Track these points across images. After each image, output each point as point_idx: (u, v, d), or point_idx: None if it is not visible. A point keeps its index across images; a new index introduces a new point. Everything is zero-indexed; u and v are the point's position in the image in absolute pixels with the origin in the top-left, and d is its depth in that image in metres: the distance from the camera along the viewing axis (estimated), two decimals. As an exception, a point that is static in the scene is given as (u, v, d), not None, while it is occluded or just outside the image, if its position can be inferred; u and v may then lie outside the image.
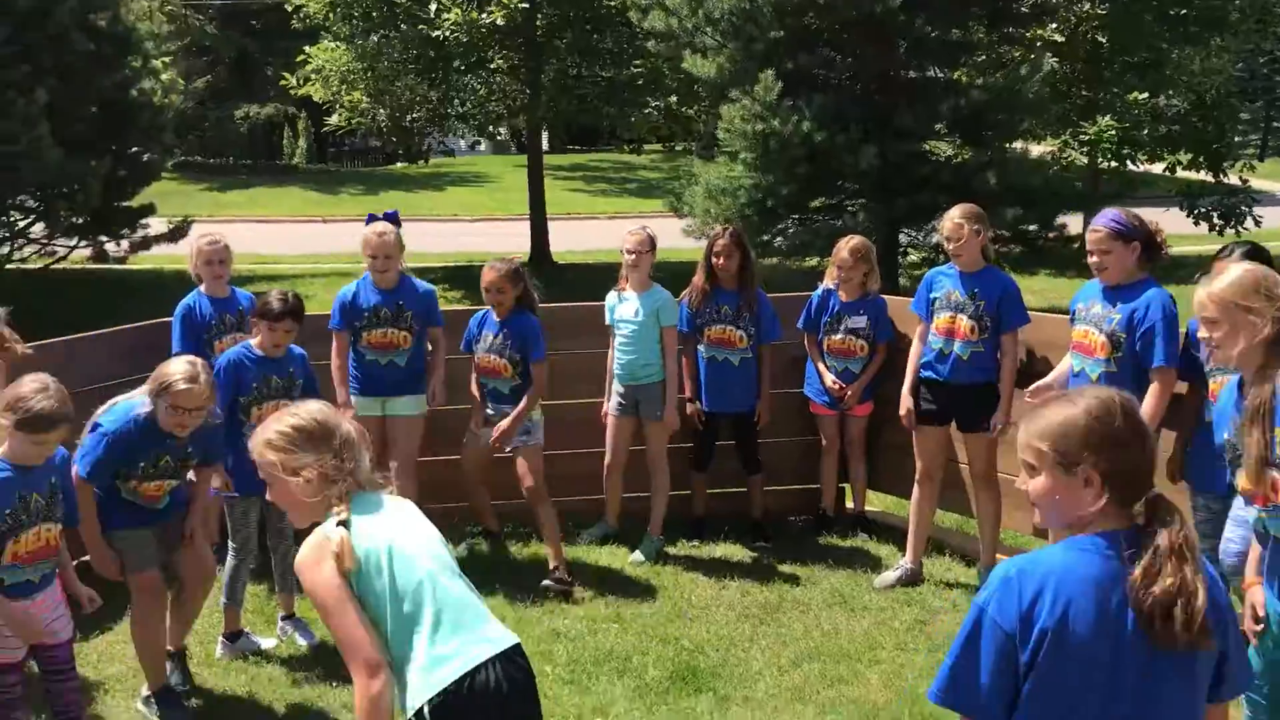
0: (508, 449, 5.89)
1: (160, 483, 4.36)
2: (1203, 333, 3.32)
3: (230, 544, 5.03)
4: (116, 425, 4.21)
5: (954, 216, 5.59)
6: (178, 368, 4.20)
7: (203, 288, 5.76)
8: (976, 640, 2.17)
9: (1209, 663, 2.17)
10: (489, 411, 5.97)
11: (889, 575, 5.82)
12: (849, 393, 6.31)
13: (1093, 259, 4.89)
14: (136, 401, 4.26)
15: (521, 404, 5.79)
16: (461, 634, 2.67)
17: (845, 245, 6.30)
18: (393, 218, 5.85)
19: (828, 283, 6.42)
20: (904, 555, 5.88)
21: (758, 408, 6.35)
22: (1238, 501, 3.81)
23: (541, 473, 5.86)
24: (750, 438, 6.40)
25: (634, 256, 6.12)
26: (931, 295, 5.71)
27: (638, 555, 6.09)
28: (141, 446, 4.24)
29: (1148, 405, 4.55)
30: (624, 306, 6.20)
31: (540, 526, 5.92)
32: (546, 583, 5.66)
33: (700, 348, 6.30)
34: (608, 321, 6.26)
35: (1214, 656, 2.17)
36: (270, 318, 5.00)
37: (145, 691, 4.55)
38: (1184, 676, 2.13)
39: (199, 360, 4.35)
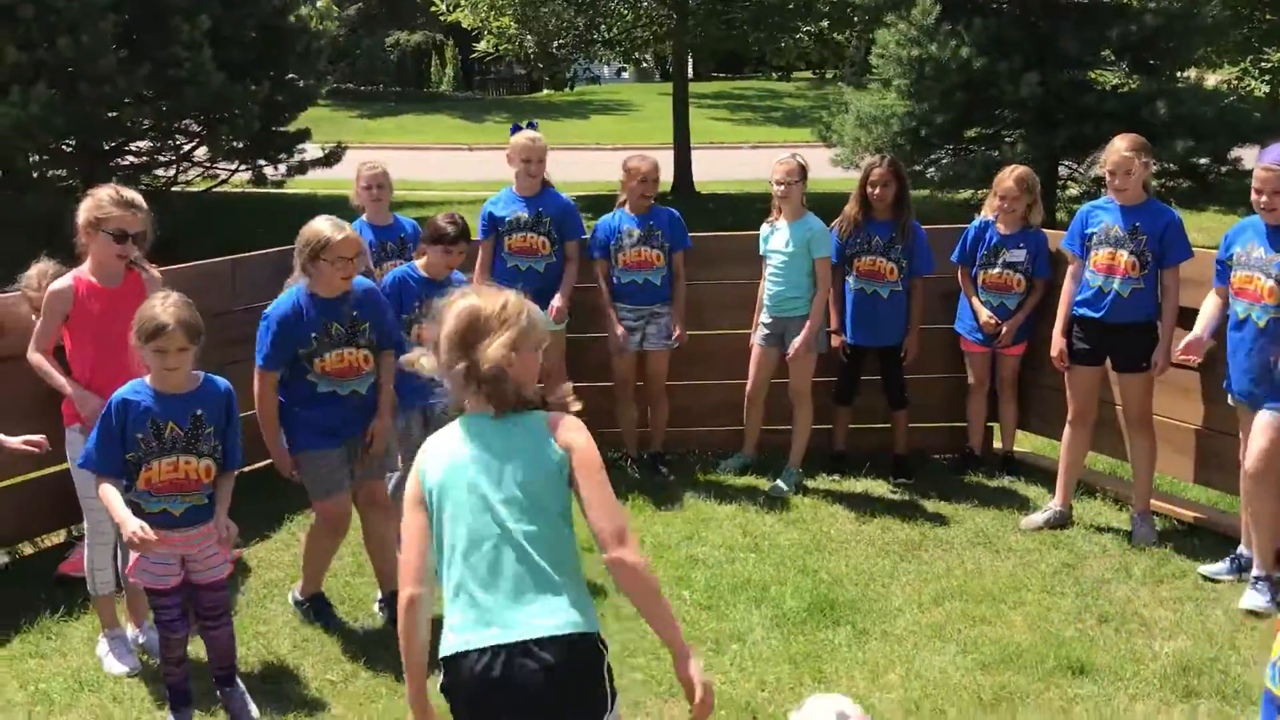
0: (652, 347, 6.18)
1: (341, 353, 4.43)
2: None
3: None
4: (276, 309, 4.37)
5: (1121, 149, 5.31)
6: (322, 224, 4.34)
7: (365, 215, 5.86)
8: None
9: None
10: (628, 317, 6.10)
11: (1036, 517, 5.66)
12: (1004, 329, 6.11)
13: (1260, 198, 4.61)
14: (294, 287, 4.42)
15: (681, 297, 6.18)
16: (473, 612, 2.49)
17: (1009, 174, 6.07)
18: (534, 126, 6.11)
19: (986, 214, 6.19)
20: (1052, 497, 5.72)
21: (905, 342, 6.21)
22: None
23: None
24: (897, 372, 6.27)
25: (783, 187, 6.02)
26: (1087, 231, 5.46)
27: (778, 486, 6.07)
28: (307, 320, 4.36)
29: None
30: (776, 237, 6.10)
31: (654, 416, 6.36)
32: (656, 465, 6.32)
33: (848, 279, 6.18)
34: (761, 252, 6.19)
35: None
36: (446, 241, 5.08)
37: (298, 595, 4.77)
38: None
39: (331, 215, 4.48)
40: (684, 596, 4.83)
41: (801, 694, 4.07)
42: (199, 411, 3.79)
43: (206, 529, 3.86)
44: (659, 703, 4.03)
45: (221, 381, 3.91)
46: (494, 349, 2.54)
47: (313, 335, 4.38)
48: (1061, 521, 5.62)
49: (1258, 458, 4.67)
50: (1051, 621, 4.64)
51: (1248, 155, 13.96)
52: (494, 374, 2.54)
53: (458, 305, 2.61)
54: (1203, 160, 12.99)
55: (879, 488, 6.17)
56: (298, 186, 16.66)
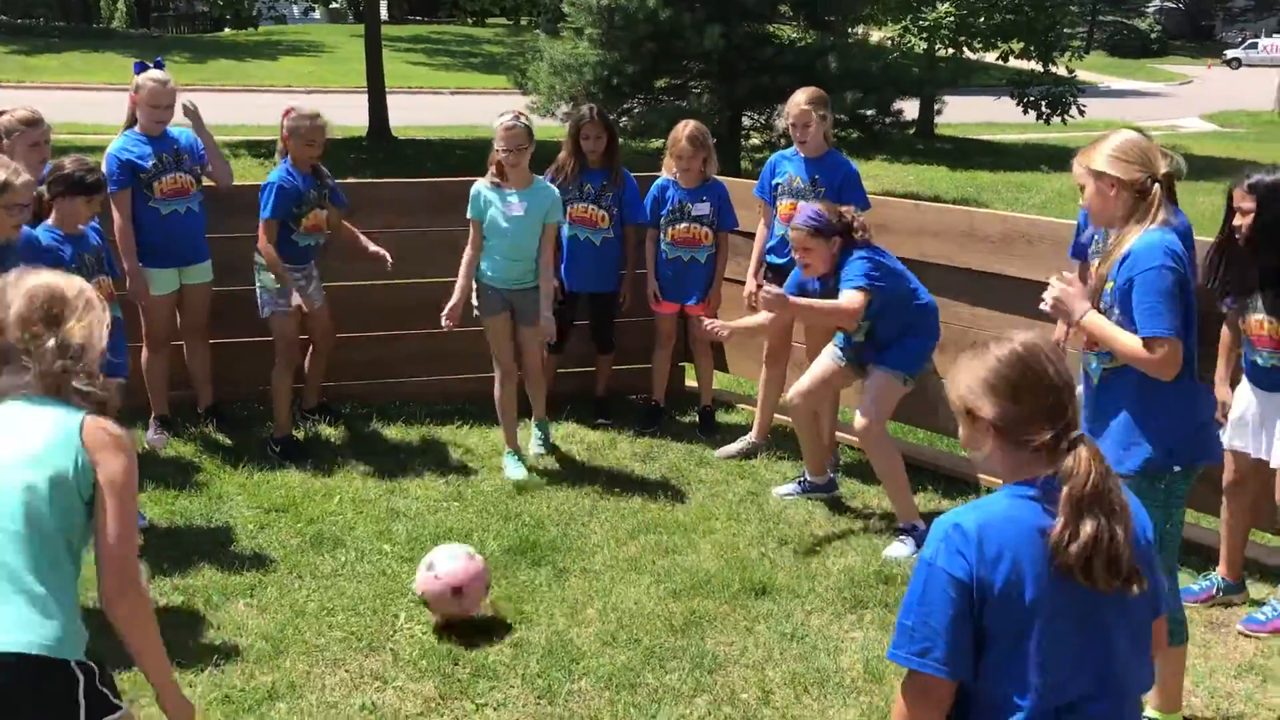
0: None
1: None
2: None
3: None
4: None
5: (800, 102, 5.60)
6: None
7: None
8: (929, 594, 2.13)
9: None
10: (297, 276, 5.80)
11: (731, 447, 5.98)
12: (712, 325, 5.91)
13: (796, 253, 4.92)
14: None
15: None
16: None
17: (683, 133, 6.04)
18: (160, 66, 5.80)
19: (665, 174, 6.24)
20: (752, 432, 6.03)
21: (622, 289, 6.32)
22: None
23: None
24: (608, 318, 6.38)
25: (511, 155, 5.43)
26: (774, 180, 5.75)
27: (537, 449, 5.94)
28: None
29: None
30: (508, 204, 5.52)
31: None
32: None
33: (563, 226, 6.18)
34: (470, 214, 5.59)
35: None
36: (89, 190, 4.67)
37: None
38: (1123, 607, 2.16)
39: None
40: (385, 550, 4.81)
41: (503, 636, 4.17)
42: None
43: None
44: (359, 657, 4.01)
45: None
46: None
47: None
48: (753, 452, 5.96)
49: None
50: (737, 547, 4.94)
51: (909, 107, 15.16)
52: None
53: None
54: (870, 112, 13.96)
55: (581, 430, 6.33)
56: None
